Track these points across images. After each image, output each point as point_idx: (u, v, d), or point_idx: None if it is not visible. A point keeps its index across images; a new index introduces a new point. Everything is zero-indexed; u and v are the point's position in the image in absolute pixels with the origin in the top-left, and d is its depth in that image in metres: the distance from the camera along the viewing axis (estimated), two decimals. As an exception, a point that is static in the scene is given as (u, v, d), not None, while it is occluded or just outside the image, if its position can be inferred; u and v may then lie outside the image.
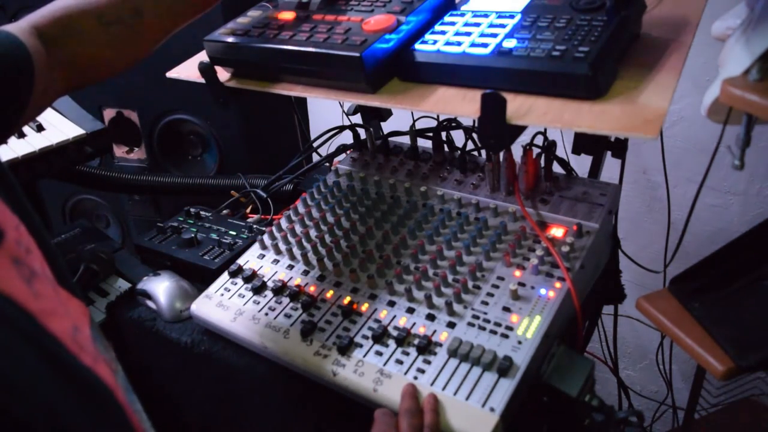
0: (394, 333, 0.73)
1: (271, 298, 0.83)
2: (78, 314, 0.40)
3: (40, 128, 1.16)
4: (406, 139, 1.05)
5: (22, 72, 0.63)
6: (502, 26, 0.72)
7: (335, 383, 0.72)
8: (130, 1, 0.71)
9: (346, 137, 1.10)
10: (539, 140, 0.92)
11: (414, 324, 0.75)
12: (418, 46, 0.73)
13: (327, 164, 1.15)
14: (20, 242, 0.37)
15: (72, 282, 0.45)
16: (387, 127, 1.12)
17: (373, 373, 0.71)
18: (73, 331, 0.37)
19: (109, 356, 0.42)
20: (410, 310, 0.76)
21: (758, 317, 0.88)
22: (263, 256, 0.91)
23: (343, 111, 1.14)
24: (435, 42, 0.73)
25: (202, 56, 0.84)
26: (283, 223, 0.94)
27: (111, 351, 0.44)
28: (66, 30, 0.68)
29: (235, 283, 0.87)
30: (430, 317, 0.75)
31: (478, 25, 0.74)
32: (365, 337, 0.75)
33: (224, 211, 1.14)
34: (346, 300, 0.80)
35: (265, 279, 0.86)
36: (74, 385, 0.35)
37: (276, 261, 0.89)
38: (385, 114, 1.12)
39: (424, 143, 1.01)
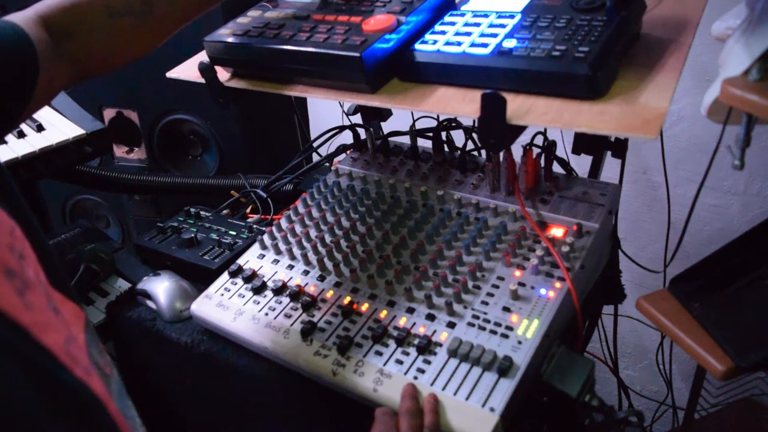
0: (394, 333, 0.73)
1: (271, 298, 0.83)
2: (73, 318, 0.40)
3: (40, 128, 1.16)
4: (406, 139, 1.05)
5: (25, 62, 0.62)
6: (502, 26, 0.72)
7: (335, 383, 0.72)
8: None
9: (346, 137, 1.10)
10: (539, 140, 0.92)
11: (414, 324, 0.75)
12: (418, 46, 0.73)
13: (327, 164, 1.15)
14: (14, 248, 0.36)
15: (68, 284, 0.44)
16: (387, 127, 1.12)
17: (373, 373, 0.71)
18: (66, 343, 0.37)
19: (104, 360, 0.42)
20: (410, 310, 0.76)
21: (758, 317, 0.88)
22: (263, 256, 0.91)
23: (343, 111, 1.14)
24: (435, 42, 0.73)
25: (202, 56, 0.84)
26: (283, 223, 0.94)
27: (106, 354, 0.43)
28: (73, 20, 0.68)
29: (235, 283, 0.87)
30: (430, 317, 0.75)
31: (478, 25, 0.74)
32: (365, 337, 0.75)
33: (224, 211, 1.14)
34: (346, 300, 0.80)
35: (265, 279, 0.86)
36: (64, 401, 0.34)
37: (276, 261, 0.89)
38: (385, 114, 1.12)
39: (424, 143, 1.01)
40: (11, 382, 0.31)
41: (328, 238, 0.89)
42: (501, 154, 0.86)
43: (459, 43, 0.71)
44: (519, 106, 0.64)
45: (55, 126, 1.17)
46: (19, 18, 0.65)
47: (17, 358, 0.32)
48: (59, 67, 0.67)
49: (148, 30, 0.72)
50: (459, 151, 1.01)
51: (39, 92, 0.64)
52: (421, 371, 0.69)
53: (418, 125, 1.05)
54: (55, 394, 0.34)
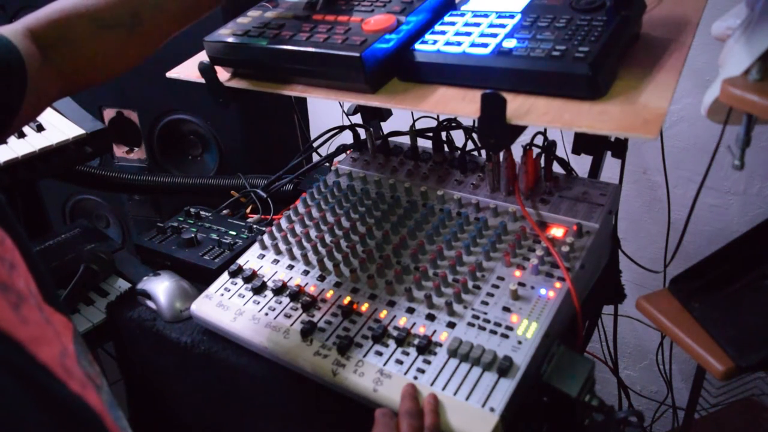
0: (394, 333, 0.73)
1: (271, 298, 0.83)
2: (62, 329, 0.39)
3: (40, 128, 1.16)
4: (406, 139, 1.05)
5: (13, 75, 0.62)
6: (502, 26, 0.72)
7: (335, 383, 0.72)
8: (128, 4, 0.70)
9: (346, 137, 1.10)
10: (539, 140, 0.92)
11: (414, 324, 0.75)
12: (418, 46, 0.73)
13: (327, 164, 1.15)
14: (4, 258, 0.36)
15: (56, 295, 0.44)
16: (387, 127, 1.12)
17: (373, 373, 0.71)
18: (61, 357, 0.36)
19: (94, 371, 0.41)
20: (410, 310, 0.76)
21: (758, 317, 0.88)
22: (263, 256, 0.91)
23: (343, 111, 1.14)
24: (435, 42, 0.73)
25: (202, 56, 0.84)
26: (283, 223, 0.94)
27: (95, 364, 0.43)
28: (61, 33, 0.68)
29: (235, 283, 0.87)
30: (430, 317, 0.75)
31: (478, 25, 0.74)
32: (365, 337, 0.75)
33: (224, 211, 1.14)
34: (346, 300, 0.80)
35: (265, 279, 0.86)
36: (63, 417, 0.34)
37: (276, 261, 0.89)
38: (385, 114, 1.12)
39: (424, 143, 1.01)
40: (10, 400, 0.31)
41: (328, 238, 0.89)
42: (501, 154, 0.86)
43: (459, 43, 0.71)
44: (519, 106, 0.64)
45: (55, 126, 1.18)
46: (8, 31, 0.64)
47: (15, 375, 0.32)
48: (48, 79, 0.67)
49: (136, 41, 0.72)
50: (459, 151, 1.01)
51: (27, 105, 0.64)
52: (421, 371, 0.69)
53: (418, 125, 1.05)
54: (53, 411, 0.33)
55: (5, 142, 1.11)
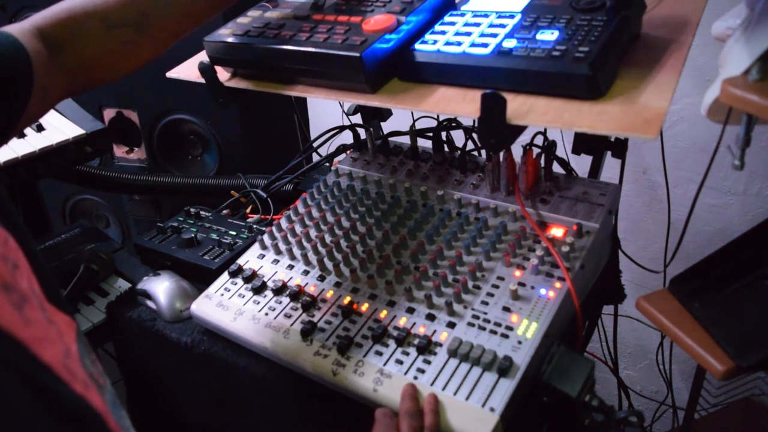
0: (394, 333, 0.73)
1: (271, 298, 0.83)
2: (65, 329, 0.39)
3: (40, 128, 1.16)
4: (406, 139, 1.05)
5: (19, 73, 0.62)
6: (502, 26, 0.72)
7: (335, 383, 0.72)
8: (137, 4, 0.69)
9: (346, 137, 1.10)
10: (539, 140, 0.92)
11: (414, 324, 0.75)
12: (418, 46, 0.73)
13: (327, 164, 1.15)
14: (7, 258, 0.36)
15: (59, 294, 0.43)
16: (387, 127, 1.12)
17: (373, 373, 0.71)
18: (65, 357, 0.36)
19: (97, 371, 0.41)
20: (410, 310, 0.76)
21: (758, 317, 0.88)
22: (263, 256, 0.91)
23: (343, 111, 1.15)
24: (435, 42, 0.73)
25: (202, 56, 0.84)
26: (283, 223, 0.94)
27: (98, 364, 0.43)
28: (69, 32, 0.68)
29: (235, 283, 0.87)
30: (430, 317, 0.75)
31: (478, 25, 0.74)
32: (365, 337, 0.75)
33: (224, 211, 1.14)
34: (346, 300, 0.80)
35: (265, 279, 0.86)
36: (66, 419, 0.34)
37: (276, 261, 0.89)
38: (385, 114, 1.12)
39: (424, 143, 1.01)
40: (14, 401, 0.31)
41: (328, 238, 0.89)
42: (501, 154, 0.86)
43: (459, 43, 0.71)
44: (519, 106, 0.64)
45: (55, 126, 1.18)
46: (16, 29, 0.64)
47: (19, 376, 0.32)
48: (55, 78, 0.67)
49: (144, 42, 0.72)
50: (459, 151, 1.01)
51: (33, 104, 0.64)
52: (421, 371, 0.69)
53: (418, 125, 1.05)
54: (56, 412, 0.33)
55: (6, 143, 1.11)
